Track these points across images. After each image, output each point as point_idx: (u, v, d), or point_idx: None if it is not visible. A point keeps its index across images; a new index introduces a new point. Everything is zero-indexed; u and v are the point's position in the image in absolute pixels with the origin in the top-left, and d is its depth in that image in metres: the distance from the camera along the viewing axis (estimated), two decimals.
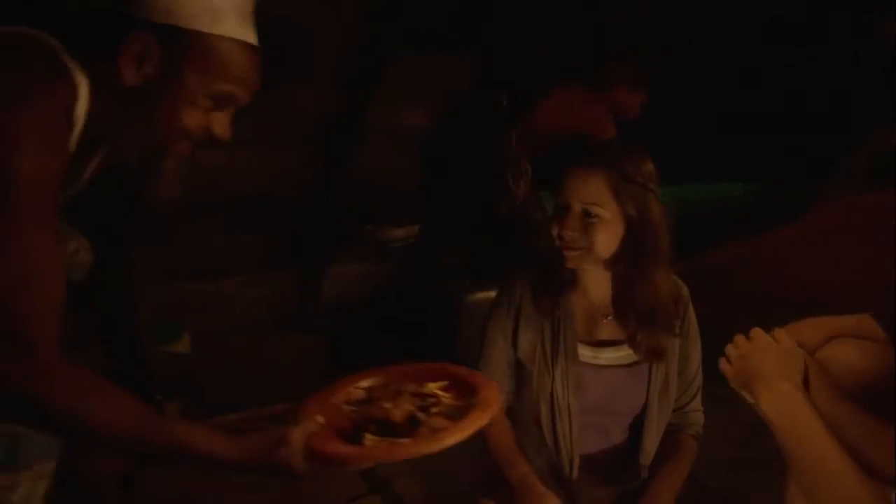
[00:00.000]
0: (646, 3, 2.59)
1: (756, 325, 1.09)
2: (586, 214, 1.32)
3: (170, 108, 0.92)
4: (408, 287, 3.06)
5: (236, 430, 0.90)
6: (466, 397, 1.02)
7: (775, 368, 0.98)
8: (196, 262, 2.53)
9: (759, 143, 3.09)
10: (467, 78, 2.71)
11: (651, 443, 1.41)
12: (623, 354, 1.40)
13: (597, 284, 1.41)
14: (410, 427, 0.95)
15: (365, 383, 1.09)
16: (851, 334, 1.02)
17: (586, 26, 2.63)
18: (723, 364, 1.06)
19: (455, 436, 0.91)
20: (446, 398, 1.03)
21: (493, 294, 1.50)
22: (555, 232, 1.35)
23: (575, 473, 1.39)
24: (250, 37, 0.96)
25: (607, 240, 1.33)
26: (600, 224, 1.31)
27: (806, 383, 0.98)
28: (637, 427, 1.42)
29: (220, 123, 0.97)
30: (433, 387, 1.06)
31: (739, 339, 1.05)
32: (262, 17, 1.00)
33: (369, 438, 0.94)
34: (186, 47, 0.91)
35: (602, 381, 1.39)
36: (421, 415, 0.97)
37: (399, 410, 0.97)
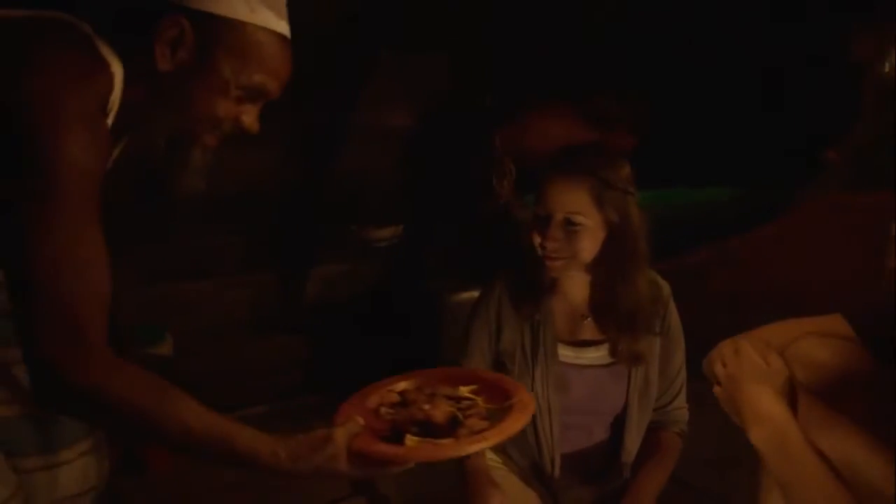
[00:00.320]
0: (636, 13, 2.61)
1: (737, 324, 1.10)
2: (568, 223, 1.32)
3: (202, 96, 0.92)
4: (391, 287, 3.06)
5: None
6: (497, 400, 1.04)
7: (763, 396, 0.96)
8: (178, 262, 2.51)
9: (745, 148, 3.12)
10: (452, 78, 2.71)
11: (632, 442, 1.42)
12: (603, 354, 1.41)
13: (576, 287, 1.42)
14: (450, 428, 0.97)
15: (398, 387, 1.11)
16: (822, 333, 1.04)
17: (578, 36, 2.64)
18: (715, 388, 1.05)
19: (497, 436, 0.94)
20: (480, 401, 1.05)
21: (476, 294, 1.51)
22: (536, 241, 1.34)
23: (557, 472, 1.40)
24: (284, 28, 0.96)
25: (590, 247, 1.34)
26: (583, 232, 1.32)
27: (793, 397, 0.98)
28: (619, 426, 1.43)
29: (250, 115, 0.97)
30: (465, 390, 1.08)
31: (727, 354, 1.03)
32: None
33: (410, 439, 0.95)
34: (221, 35, 0.90)
35: (585, 380, 1.40)
36: (461, 416, 0.99)
37: (439, 412, 0.99)
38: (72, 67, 0.80)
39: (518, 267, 1.43)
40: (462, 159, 2.75)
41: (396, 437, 0.96)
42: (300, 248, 2.88)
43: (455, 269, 2.86)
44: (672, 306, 1.45)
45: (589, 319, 1.42)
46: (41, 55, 0.80)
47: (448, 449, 0.93)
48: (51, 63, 0.79)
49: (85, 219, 0.80)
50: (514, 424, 0.96)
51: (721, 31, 2.77)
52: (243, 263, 2.80)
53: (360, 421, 0.95)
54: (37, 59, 0.79)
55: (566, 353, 1.40)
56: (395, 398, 1.08)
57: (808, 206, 2.55)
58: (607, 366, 1.40)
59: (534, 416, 1.38)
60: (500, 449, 1.46)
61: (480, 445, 0.94)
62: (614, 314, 1.38)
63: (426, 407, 1.00)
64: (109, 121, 0.87)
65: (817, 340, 1.03)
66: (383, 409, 1.04)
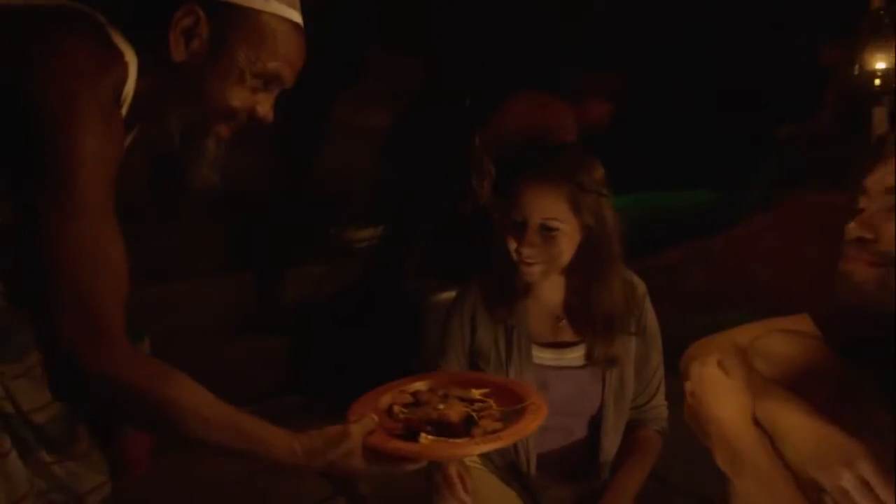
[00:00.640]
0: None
1: (714, 322, 1.11)
2: (545, 228, 1.31)
3: (217, 86, 0.91)
4: (372, 287, 3.06)
5: None
6: (509, 403, 1.05)
7: (728, 419, 0.94)
8: (157, 264, 2.49)
9: (724, 150, 3.17)
10: (431, 79, 2.71)
11: (609, 442, 1.42)
12: (579, 355, 1.41)
13: (551, 289, 1.42)
14: (465, 428, 0.98)
15: (411, 388, 1.12)
16: (788, 330, 1.05)
17: (554, 30, 2.66)
18: (686, 407, 1.04)
19: (513, 436, 0.95)
20: (493, 403, 1.06)
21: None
22: (512, 247, 1.33)
23: (533, 471, 1.40)
24: (297, 17, 0.96)
25: (567, 251, 1.33)
26: (560, 236, 1.31)
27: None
28: (596, 426, 1.42)
29: (264, 105, 0.96)
30: (477, 393, 1.09)
31: (692, 371, 1.01)
32: None
33: (425, 438, 0.96)
34: (236, 23, 0.90)
35: (562, 382, 1.39)
36: (475, 416, 1.00)
37: (454, 411, 1.00)
38: (87, 59, 0.79)
39: (492, 270, 1.42)
40: (441, 160, 2.75)
41: (410, 436, 0.97)
42: (280, 249, 2.87)
43: (435, 269, 2.87)
44: (648, 305, 1.44)
45: (564, 321, 1.42)
46: (56, 46, 0.79)
47: (464, 447, 0.94)
48: (66, 55, 0.79)
49: (102, 211, 0.80)
50: (529, 425, 0.97)
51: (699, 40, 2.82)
52: (222, 264, 2.78)
53: (375, 418, 0.96)
54: (52, 50, 0.78)
55: (541, 355, 1.40)
56: (408, 398, 1.09)
57: (784, 206, 2.60)
58: (583, 367, 1.40)
59: None
60: None
61: (496, 445, 0.95)
62: (589, 317, 1.38)
63: (441, 407, 1.02)
64: (123, 111, 0.86)
65: (782, 336, 1.04)
66: (397, 408, 1.05)
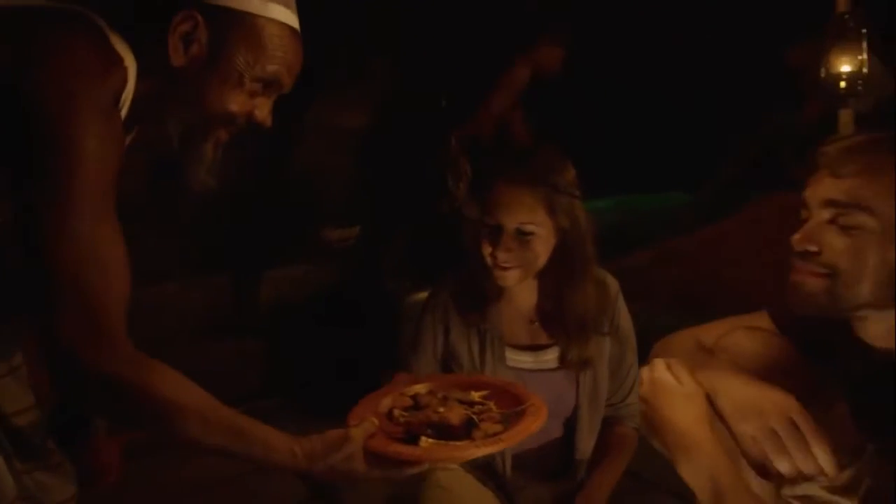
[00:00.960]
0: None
1: (686, 322, 1.13)
2: (520, 233, 1.29)
3: (215, 90, 0.91)
4: (348, 288, 3.05)
5: None
6: (509, 406, 1.06)
7: (686, 427, 0.91)
8: (132, 265, 2.46)
9: (702, 152, 3.21)
10: (408, 79, 2.72)
11: (584, 442, 1.42)
12: (553, 357, 1.41)
13: (524, 292, 1.41)
14: (466, 430, 0.98)
15: (411, 390, 1.12)
16: (752, 327, 1.07)
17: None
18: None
19: (513, 438, 0.96)
20: (492, 405, 1.07)
21: None
22: (487, 251, 1.32)
23: (509, 471, 1.39)
24: (294, 22, 0.96)
25: (543, 254, 1.33)
26: (535, 240, 1.30)
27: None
28: (571, 426, 1.42)
29: (263, 109, 0.97)
30: (476, 395, 1.10)
31: (643, 375, 0.98)
32: None
33: (426, 441, 0.96)
34: (234, 28, 0.90)
35: (540, 384, 1.36)
36: (476, 419, 1.00)
37: (454, 414, 1.00)
38: (88, 63, 0.80)
39: (465, 273, 1.41)
40: (417, 160, 2.76)
41: (410, 439, 0.97)
42: (256, 250, 2.85)
43: (412, 269, 2.88)
44: (620, 304, 1.45)
45: (537, 324, 1.42)
46: (57, 47, 0.79)
47: (464, 450, 0.95)
48: (67, 55, 0.79)
49: (103, 211, 0.80)
50: (529, 427, 0.98)
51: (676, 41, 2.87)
52: (198, 266, 2.76)
53: (376, 421, 0.96)
54: (52, 50, 0.79)
55: (515, 358, 1.40)
56: (408, 402, 1.09)
57: (752, 207, 2.65)
58: (557, 369, 1.40)
59: None
60: None
61: (497, 447, 0.96)
62: (562, 320, 1.37)
63: (441, 409, 1.02)
64: (122, 114, 0.87)
65: (746, 333, 1.05)
66: (397, 412, 1.05)
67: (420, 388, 1.13)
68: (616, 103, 3.07)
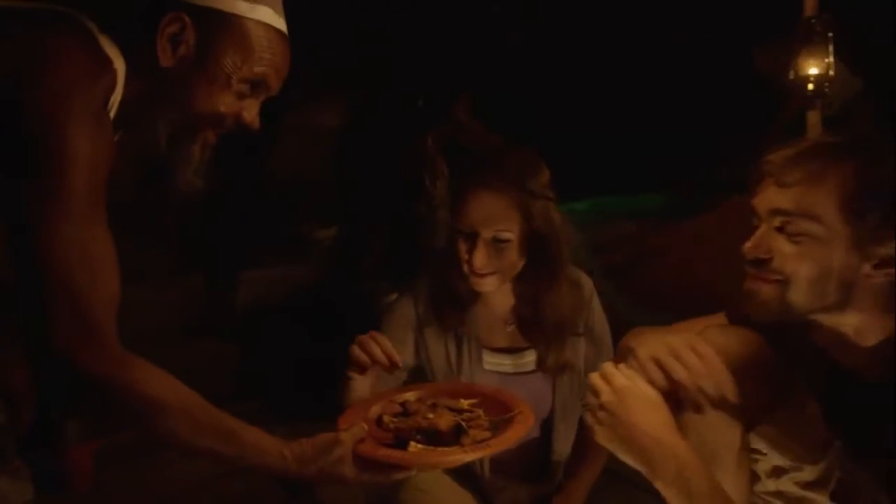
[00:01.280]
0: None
1: (659, 322, 1.14)
2: (497, 241, 1.28)
3: (203, 92, 0.91)
4: (325, 288, 3.04)
5: None
6: (497, 413, 1.07)
7: (656, 434, 0.89)
8: None
9: (679, 153, 3.24)
10: (384, 79, 2.71)
11: (561, 444, 1.41)
12: (530, 360, 1.40)
13: (500, 295, 1.39)
14: (454, 437, 1.00)
15: (400, 398, 1.13)
16: (725, 325, 1.09)
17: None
18: (588, 419, 0.95)
19: (501, 444, 0.97)
20: (481, 413, 1.08)
21: None
22: (463, 258, 1.30)
23: (487, 473, 1.39)
24: (282, 25, 0.97)
25: (519, 259, 1.32)
26: (511, 247, 1.29)
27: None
28: (548, 428, 1.42)
29: (251, 111, 0.97)
30: (465, 403, 1.11)
31: (598, 383, 0.94)
32: None
33: (414, 446, 0.97)
34: (222, 30, 0.90)
35: (517, 387, 1.34)
36: (464, 425, 1.01)
37: (444, 420, 1.01)
38: (78, 65, 0.80)
39: (441, 277, 1.38)
40: (395, 160, 2.76)
41: (399, 445, 0.99)
42: (233, 251, 2.83)
43: (389, 269, 2.88)
44: (595, 304, 1.44)
45: (513, 327, 1.41)
46: (48, 48, 0.79)
47: (453, 455, 0.96)
48: (58, 56, 0.79)
49: (94, 213, 0.80)
50: (516, 434, 0.99)
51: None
52: (173, 267, 2.73)
53: (365, 427, 0.97)
54: (43, 51, 0.79)
55: (492, 361, 1.39)
56: (398, 408, 1.10)
57: (727, 207, 2.69)
58: (534, 372, 1.39)
59: None
60: None
61: (485, 452, 0.98)
62: (539, 324, 1.37)
63: (430, 416, 1.03)
64: (111, 116, 0.86)
65: (720, 329, 1.07)
66: (387, 418, 1.06)
67: (409, 396, 1.14)
68: (592, 104, 3.10)
